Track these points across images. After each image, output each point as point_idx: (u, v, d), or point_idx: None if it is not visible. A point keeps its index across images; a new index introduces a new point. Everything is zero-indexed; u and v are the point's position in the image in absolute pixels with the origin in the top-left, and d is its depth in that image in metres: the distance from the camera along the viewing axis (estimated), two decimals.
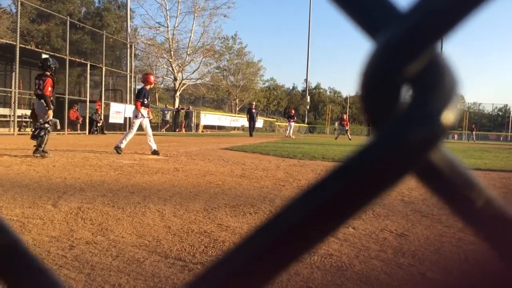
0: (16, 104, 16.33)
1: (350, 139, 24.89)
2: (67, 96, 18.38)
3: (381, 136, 0.24)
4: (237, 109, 47.23)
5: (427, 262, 2.35)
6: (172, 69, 35.88)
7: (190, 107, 33.60)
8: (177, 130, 28.63)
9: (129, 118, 20.52)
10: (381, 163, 0.24)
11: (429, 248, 2.62)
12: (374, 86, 0.25)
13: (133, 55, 26.17)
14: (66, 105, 18.42)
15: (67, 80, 18.71)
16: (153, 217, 3.16)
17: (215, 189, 4.48)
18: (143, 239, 2.60)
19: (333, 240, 2.63)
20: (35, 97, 7.50)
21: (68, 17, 20.24)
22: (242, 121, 38.56)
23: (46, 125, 7.20)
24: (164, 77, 37.19)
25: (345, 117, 27.47)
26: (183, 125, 29.64)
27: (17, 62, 15.68)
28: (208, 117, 32.80)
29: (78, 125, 20.62)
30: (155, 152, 8.53)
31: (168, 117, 29.55)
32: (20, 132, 16.66)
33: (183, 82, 36.54)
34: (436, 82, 0.25)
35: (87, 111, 20.19)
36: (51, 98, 7.32)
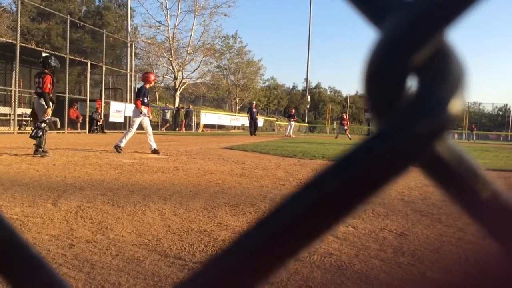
0: (16, 103, 16.33)
1: (350, 138, 24.90)
2: (67, 95, 18.38)
3: (386, 127, 0.24)
4: (237, 108, 47.22)
5: (427, 262, 2.35)
6: (173, 68, 35.87)
7: (190, 106, 33.61)
8: (177, 129, 28.63)
9: (129, 117, 20.54)
10: (386, 155, 0.23)
11: (428, 247, 2.62)
12: (379, 76, 0.24)
13: (133, 54, 26.17)
14: (66, 104, 18.41)
15: (67, 79, 18.71)
16: (153, 216, 3.16)
17: (215, 188, 4.48)
18: (143, 238, 2.60)
19: (332, 239, 2.63)
20: (35, 96, 7.50)
21: (69, 15, 20.23)
22: (242, 120, 38.57)
23: (43, 124, 7.20)
24: (164, 76, 37.18)
25: (345, 116, 27.49)
26: (183, 124, 29.64)
27: (17, 61, 15.67)
28: (208, 116, 32.80)
29: (78, 124, 20.62)
30: (155, 151, 8.53)
31: (168, 116, 29.54)
32: (20, 131, 16.66)
33: (183, 81, 36.53)
34: (443, 72, 0.24)
35: (87, 110, 20.18)
36: (51, 95, 7.32)
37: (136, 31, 36.25)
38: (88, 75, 20.75)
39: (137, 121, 8.72)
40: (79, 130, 20.14)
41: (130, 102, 22.91)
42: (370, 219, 3.26)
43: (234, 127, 38.61)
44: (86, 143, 11.33)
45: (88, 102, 20.12)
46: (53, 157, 7.06)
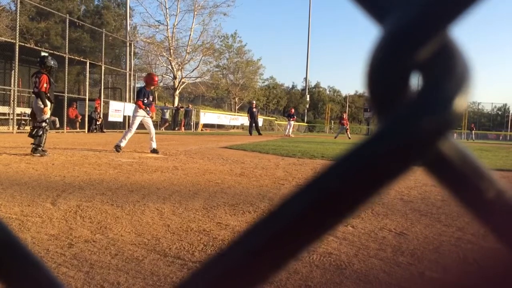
0: (15, 102, 16.31)
1: (349, 138, 24.91)
2: (66, 94, 18.36)
3: (388, 125, 0.23)
4: (237, 107, 47.21)
5: (426, 261, 2.35)
6: (172, 68, 35.85)
7: (190, 105, 33.58)
8: (176, 129, 28.62)
9: (129, 116, 20.52)
10: (389, 153, 0.23)
11: (428, 247, 2.62)
12: (382, 73, 0.24)
13: (132, 53, 26.16)
14: (66, 103, 18.40)
15: (66, 78, 18.69)
16: (152, 216, 3.16)
17: (215, 188, 4.48)
18: (142, 238, 2.60)
19: (332, 239, 2.63)
20: (34, 96, 7.50)
21: (68, 15, 20.21)
22: (241, 119, 38.55)
23: (44, 123, 7.20)
24: (164, 75, 37.15)
25: (344, 116, 27.51)
26: (182, 123, 29.63)
27: (16, 60, 15.66)
28: (208, 116, 32.79)
29: (77, 124, 20.60)
30: (154, 151, 8.52)
31: (167, 115, 29.54)
32: (19, 130, 16.64)
33: (183, 80, 36.51)
34: (447, 69, 0.24)
35: (86, 109, 20.16)
36: (48, 94, 7.32)
37: (135, 30, 36.23)
38: (87, 74, 20.73)
39: (136, 122, 8.71)
40: (78, 130, 20.12)
41: (129, 101, 22.91)
42: (369, 218, 3.26)
43: (234, 127, 38.60)
44: (85, 143, 11.33)
45: (87, 101, 20.11)
46: (52, 156, 7.05)
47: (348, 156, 0.24)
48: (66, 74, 18.68)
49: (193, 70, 37.58)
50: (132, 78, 25.31)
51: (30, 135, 7.22)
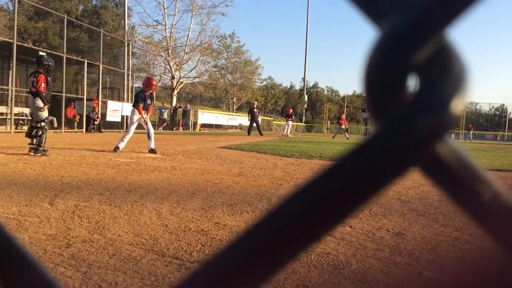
0: (13, 102, 16.28)
1: (347, 138, 24.94)
2: (64, 94, 18.33)
3: (385, 126, 0.23)
4: (235, 107, 47.19)
5: (424, 261, 2.36)
6: (170, 68, 35.81)
7: (188, 105, 33.56)
8: (174, 129, 28.60)
9: (127, 116, 20.50)
10: (385, 155, 0.23)
11: (425, 247, 2.62)
12: (379, 74, 0.24)
13: (130, 53, 26.12)
14: (63, 103, 18.37)
15: (64, 78, 18.67)
16: (150, 216, 3.15)
17: (213, 188, 4.48)
18: (140, 238, 2.59)
19: (330, 239, 2.63)
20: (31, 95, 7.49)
21: (66, 14, 20.17)
22: (239, 119, 38.54)
23: (43, 123, 7.19)
24: (162, 75, 37.12)
25: (342, 116, 27.55)
26: (180, 123, 29.60)
27: (14, 60, 15.62)
28: (206, 116, 32.77)
29: (75, 123, 20.57)
30: (152, 151, 8.52)
31: (165, 115, 29.50)
32: (17, 130, 16.60)
33: (181, 80, 36.47)
34: (444, 70, 0.24)
35: (84, 109, 20.13)
36: (45, 93, 7.31)
37: (133, 30, 36.15)
38: (85, 74, 20.69)
39: (134, 123, 8.73)
40: (76, 130, 20.08)
41: (128, 101, 22.87)
42: (367, 218, 3.26)
43: (232, 127, 38.58)
44: (83, 143, 11.31)
45: (85, 101, 20.07)
46: (50, 156, 7.04)
47: (346, 157, 0.24)
48: (64, 74, 18.66)
49: (191, 70, 37.56)
50: (130, 78, 25.28)
51: (28, 135, 7.20)
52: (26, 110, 18.33)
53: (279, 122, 45.66)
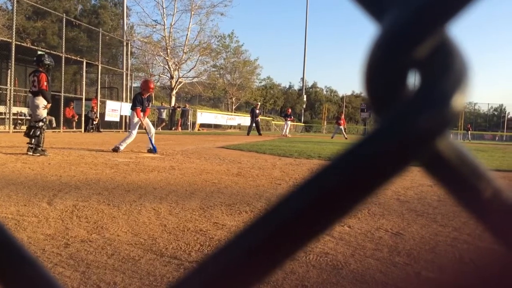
0: (12, 101, 16.25)
1: (346, 138, 24.95)
2: (62, 94, 18.30)
3: (386, 122, 0.23)
4: (234, 107, 47.18)
5: (423, 261, 2.36)
6: (169, 67, 35.77)
7: (187, 105, 33.53)
8: (173, 129, 28.58)
9: (125, 116, 20.49)
10: (387, 151, 0.23)
11: (424, 247, 2.62)
12: (379, 71, 0.24)
13: (129, 53, 26.10)
14: (62, 102, 18.34)
15: (62, 78, 18.64)
16: (148, 216, 3.15)
17: (211, 188, 4.48)
18: (139, 237, 2.59)
19: (328, 239, 2.63)
20: (30, 95, 7.47)
21: (64, 14, 20.16)
22: (238, 119, 38.54)
23: (41, 123, 7.18)
24: (161, 75, 37.10)
25: (342, 116, 27.59)
26: (179, 123, 29.59)
27: (13, 60, 15.60)
28: (205, 116, 32.76)
29: (74, 123, 20.55)
30: (151, 151, 8.52)
31: (164, 115, 29.48)
32: (16, 130, 16.58)
33: (180, 80, 36.43)
34: (445, 66, 0.23)
35: (83, 109, 20.11)
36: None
37: (132, 30, 36.10)
38: (84, 74, 20.69)
39: (135, 125, 8.75)
40: (74, 129, 20.06)
41: (126, 101, 22.84)
42: (366, 218, 3.26)
43: (230, 127, 38.57)
44: (81, 142, 11.30)
45: (83, 101, 20.05)
46: (48, 156, 7.03)
47: (346, 155, 0.24)
48: (63, 73, 18.62)
49: (190, 70, 37.52)
50: (129, 77, 25.25)
51: (27, 135, 7.19)
52: (25, 110, 18.34)
53: (278, 122, 45.66)
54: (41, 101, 7.22)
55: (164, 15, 35.51)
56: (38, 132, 7.11)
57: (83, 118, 20.09)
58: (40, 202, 3.46)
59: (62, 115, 18.49)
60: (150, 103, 9.08)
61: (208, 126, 33.92)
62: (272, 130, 43.51)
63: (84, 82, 20.78)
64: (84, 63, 20.18)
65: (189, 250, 2.41)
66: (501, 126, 58.51)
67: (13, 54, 15.49)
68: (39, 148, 7.07)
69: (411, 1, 0.23)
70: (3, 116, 17.25)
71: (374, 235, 2.83)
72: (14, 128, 16.76)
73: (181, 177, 5.17)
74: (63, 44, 18.86)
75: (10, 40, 15.73)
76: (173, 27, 35.82)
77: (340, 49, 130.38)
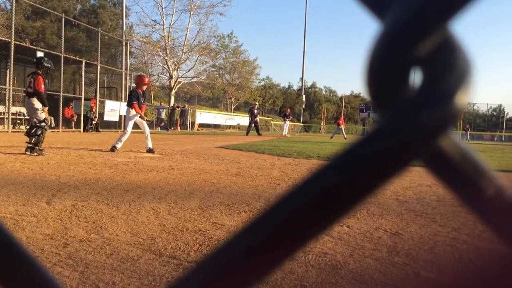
0: (11, 101, 16.24)
1: (345, 138, 24.96)
2: (61, 94, 18.30)
3: (389, 120, 0.23)
4: (233, 107, 47.19)
5: (421, 261, 2.36)
6: (168, 67, 35.76)
7: (186, 105, 33.53)
8: (172, 128, 28.58)
9: (124, 116, 20.47)
10: (389, 149, 0.23)
11: (423, 247, 2.63)
12: (382, 68, 0.24)
13: (128, 52, 26.09)
14: (61, 102, 18.34)
15: (62, 78, 18.64)
16: (147, 215, 3.15)
17: (210, 188, 4.48)
18: (138, 237, 2.59)
19: (327, 239, 2.63)
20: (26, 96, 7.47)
21: (63, 14, 20.16)
22: (237, 119, 38.54)
23: (43, 123, 7.18)
24: (160, 75, 37.09)
25: (341, 116, 27.64)
26: (178, 123, 29.59)
27: (12, 59, 15.60)
28: (204, 116, 32.76)
29: (73, 123, 20.54)
30: (150, 150, 8.52)
31: (163, 115, 29.48)
32: (15, 130, 16.58)
33: (179, 80, 36.43)
34: (448, 64, 0.23)
35: (82, 108, 20.11)
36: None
37: (131, 29, 36.11)
38: (83, 73, 20.68)
39: (130, 123, 8.72)
40: (73, 129, 20.06)
41: (125, 101, 22.82)
42: (365, 218, 3.26)
43: (229, 127, 38.57)
44: (80, 142, 11.29)
45: (82, 100, 20.05)
46: (47, 156, 7.03)
47: (348, 153, 0.24)
48: (62, 73, 18.62)
49: (189, 69, 37.51)
50: (128, 77, 25.25)
51: (28, 134, 7.18)
52: (24, 110, 18.31)
53: (277, 122, 45.69)
54: (36, 102, 7.21)
55: (163, 15, 35.52)
56: (39, 132, 7.10)
57: (82, 118, 20.09)
58: (39, 202, 3.45)
59: (61, 115, 18.49)
60: (145, 100, 9.06)
61: (207, 126, 33.93)
62: (271, 130, 43.52)
63: (83, 82, 20.78)
64: (83, 63, 20.18)
65: (188, 250, 2.41)
66: (500, 127, 58.54)
67: (12, 53, 15.49)
68: (37, 148, 7.06)
69: None
70: (2, 116, 17.24)
71: (373, 235, 2.83)
72: (13, 127, 16.75)
73: (180, 177, 5.17)
74: (62, 43, 18.86)
75: (9, 40, 15.73)
76: (172, 27, 35.84)
77: (340, 49, 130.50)
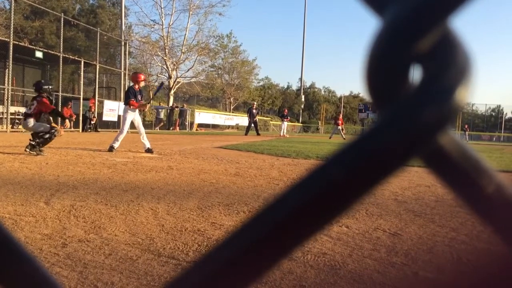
0: (9, 101, 16.22)
1: (344, 139, 24.97)
2: (60, 94, 18.29)
3: (388, 117, 0.23)
4: (232, 107, 47.20)
5: (420, 261, 2.36)
6: (167, 67, 35.75)
7: (185, 105, 33.52)
8: (171, 129, 28.57)
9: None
10: (389, 146, 0.23)
11: (422, 247, 2.63)
12: (381, 65, 0.23)
13: (127, 52, 26.06)
14: (60, 102, 18.32)
15: (60, 77, 18.63)
16: (146, 215, 3.15)
17: (209, 188, 4.47)
18: (136, 237, 2.59)
19: (326, 239, 2.63)
20: (30, 97, 7.51)
21: (62, 14, 20.14)
22: (236, 119, 38.54)
23: (52, 130, 7.22)
24: (159, 75, 37.06)
25: (340, 116, 27.67)
26: (177, 123, 29.58)
27: (10, 59, 15.58)
28: (203, 116, 32.75)
29: (72, 123, 20.52)
30: (148, 150, 8.51)
31: (162, 115, 29.47)
32: (13, 129, 16.56)
33: (178, 80, 36.42)
34: (448, 60, 0.23)
35: (81, 108, 20.09)
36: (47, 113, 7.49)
37: (130, 29, 36.09)
38: (82, 73, 20.66)
39: (127, 122, 8.71)
40: (72, 129, 20.03)
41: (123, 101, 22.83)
42: (364, 219, 3.26)
43: (228, 127, 38.57)
44: (79, 142, 11.28)
45: (81, 100, 20.04)
46: (46, 155, 7.02)
47: (348, 149, 0.24)
48: (61, 73, 18.62)
49: (188, 70, 37.50)
50: (127, 77, 25.23)
51: (35, 134, 7.20)
52: (22, 110, 18.28)
53: (276, 122, 45.70)
54: (31, 121, 7.20)
55: (162, 15, 35.52)
56: (47, 136, 7.13)
57: (81, 118, 20.07)
58: (37, 201, 3.45)
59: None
60: (142, 97, 9.05)
61: (206, 126, 33.92)
62: (270, 130, 43.53)
63: (82, 82, 20.75)
64: (82, 63, 20.16)
65: (187, 250, 2.41)
66: (499, 127, 58.62)
67: (11, 53, 15.48)
68: (37, 147, 7.06)
69: None
70: (1, 116, 17.22)
71: (372, 235, 2.83)
72: (12, 127, 16.72)
73: (179, 177, 5.17)
74: (61, 43, 18.85)
75: (8, 40, 15.72)
76: (171, 27, 35.83)
77: (339, 49, 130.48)
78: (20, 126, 16.52)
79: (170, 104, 33.71)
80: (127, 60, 26.04)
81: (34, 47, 18.28)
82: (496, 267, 0.28)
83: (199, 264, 0.26)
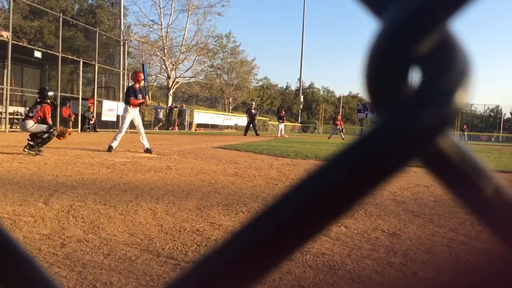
0: (8, 101, 16.20)
1: (343, 139, 24.98)
2: (59, 93, 18.25)
3: (387, 119, 0.23)
4: (231, 107, 47.21)
5: (419, 262, 2.36)
6: (166, 67, 35.75)
7: (184, 105, 33.51)
8: (170, 129, 28.55)
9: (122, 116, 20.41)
10: (388, 148, 0.23)
11: (420, 247, 2.63)
12: (381, 67, 0.23)
13: (126, 52, 26.04)
14: (59, 102, 18.29)
15: (59, 77, 18.60)
16: (145, 216, 3.15)
17: (208, 188, 4.47)
18: (135, 238, 2.59)
19: (325, 239, 2.63)
20: (29, 97, 7.50)
21: (61, 13, 20.10)
22: (235, 119, 38.55)
23: (51, 130, 7.22)
24: (158, 75, 37.07)
25: (338, 117, 27.67)
26: (176, 123, 29.56)
27: (9, 59, 15.55)
28: (202, 116, 32.74)
29: (70, 123, 20.49)
30: (147, 150, 8.51)
31: (161, 115, 29.46)
32: (12, 129, 16.53)
33: (177, 80, 36.42)
34: (447, 62, 0.23)
35: (80, 108, 20.07)
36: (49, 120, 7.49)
37: (129, 29, 36.08)
38: (81, 73, 20.63)
39: (126, 122, 8.71)
40: (71, 129, 20.01)
41: (123, 101, 22.82)
42: (363, 219, 3.27)
43: (227, 127, 38.57)
44: (78, 142, 11.27)
45: (80, 100, 20.01)
46: (45, 155, 7.01)
47: (347, 151, 0.24)
48: (59, 73, 18.59)
49: (187, 70, 37.51)
50: (125, 77, 25.21)
51: (33, 134, 7.20)
52: (21, 109, 18.28)
53: (275, 122, 45.71)
54: (29, 124, 7.20)
55: (161, 14, 35.53)
56: (46, 136, 7.13)
57: (79, 118, 20.05)
58: (36, 201, 3.44)
59: (58, 115, 18.44)
60: (144, 96, 9.03)
61: (205, 126, 33.91)
62: (269, 130, 43.52)
63: (80, 82, 20.72)
64: (81, 63, 20.14)
65: (186, 250, 2.41)
66: (497, 127, 58.67)
67: (10, 53, 15.45)
68: (36, 148, 7.06)
69: None
70: (0, 116, 17.19)
71: (371, 235, 2.83)
72: (11, 127, 16.70)
73: (177, 177, 5.17)
74: (60, 43, 18.81)
75: (7, 39, 15.68)
76: (170, 27, 35.83)
77: (338, 50, 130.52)
78: (19, 126, 16.50)
79: (169, 104, 33.70)
80: (126, 60, 26.02)
81: (33, 47, 18.25)
82: (494, 267, 0.28)
83: (200, 264, 0.26)
